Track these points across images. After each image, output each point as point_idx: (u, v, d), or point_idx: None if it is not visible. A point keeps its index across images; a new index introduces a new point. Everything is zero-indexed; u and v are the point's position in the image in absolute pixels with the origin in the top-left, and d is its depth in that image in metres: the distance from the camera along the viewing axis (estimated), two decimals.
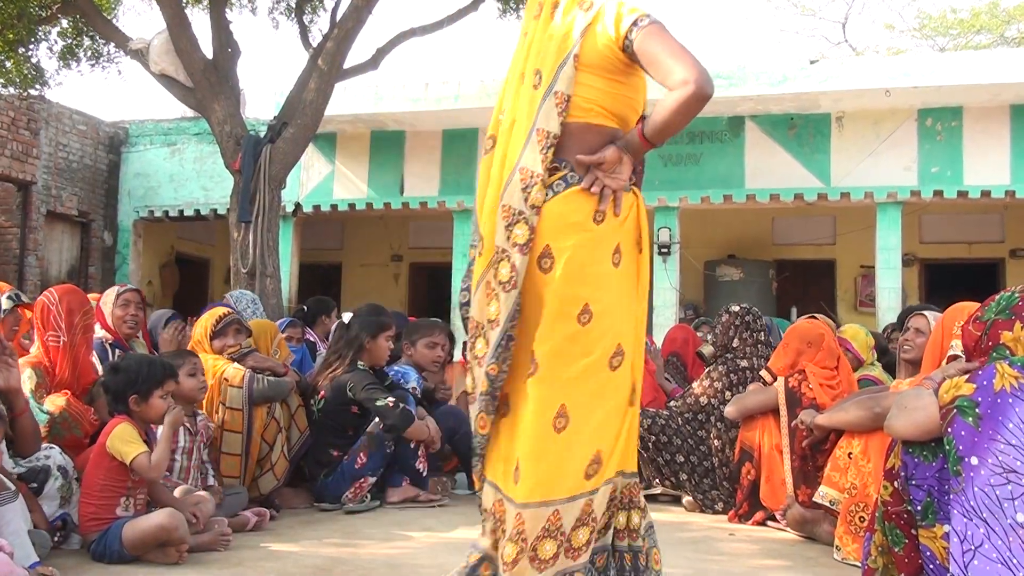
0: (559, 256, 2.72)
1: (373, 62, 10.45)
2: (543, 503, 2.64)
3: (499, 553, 2.71)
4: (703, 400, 5.30)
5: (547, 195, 2.75)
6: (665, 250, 12.76)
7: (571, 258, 2.72)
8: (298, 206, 13.84)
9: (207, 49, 9.63)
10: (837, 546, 3.96)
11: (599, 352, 2.71)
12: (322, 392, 5.42)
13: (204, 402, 4.91)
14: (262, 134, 9.79)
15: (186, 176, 14.74)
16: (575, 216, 2.75)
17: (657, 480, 5.40)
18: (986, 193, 11.95)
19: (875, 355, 5.61)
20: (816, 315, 5.25)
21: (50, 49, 11.58)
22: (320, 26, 11.75)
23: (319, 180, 14.20)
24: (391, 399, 5.22)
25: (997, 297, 3.07)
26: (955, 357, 3.70)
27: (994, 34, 23.76)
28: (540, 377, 2.70)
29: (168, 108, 30.30)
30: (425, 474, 5.45)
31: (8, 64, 11.09)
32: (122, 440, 3.81)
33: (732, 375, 5.26)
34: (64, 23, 11.37)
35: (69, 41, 11.57)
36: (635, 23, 2.72)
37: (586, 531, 2.69)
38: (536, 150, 2.75)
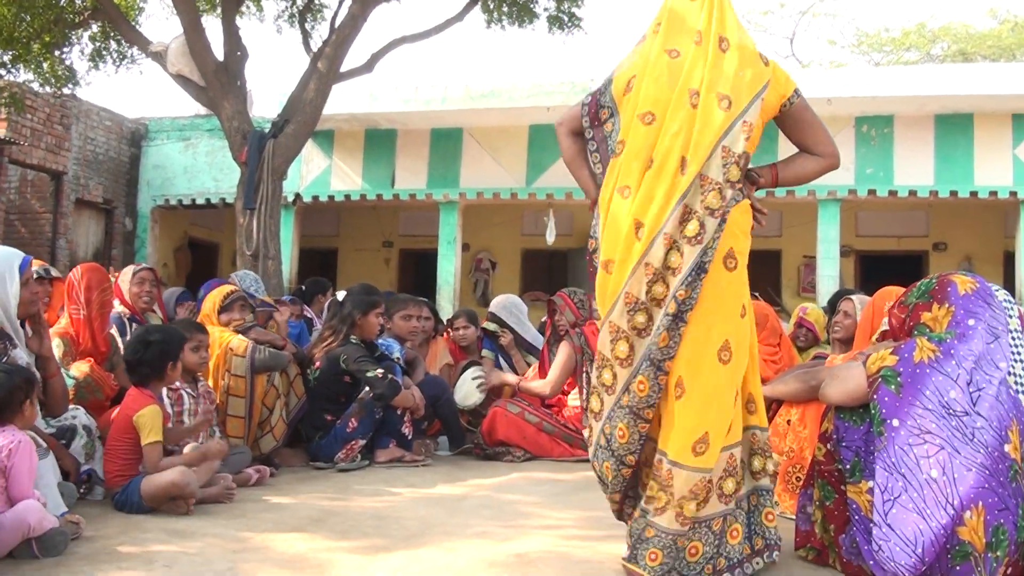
0: (740, 259, 3.00)
1: (368, 66, 10.40)
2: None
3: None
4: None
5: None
6: None
7: (744, 263, 3.01)
8: (298, 196, 13.76)
9: (219, 52, 9.58)
10: (775, 501, 3.98)
11: (747, 344, 3.01)
12: (318, 363, 5.41)
13: (212, 368, 4.91)
14: (266, 130, 9.73)
15: (199, 168, 14.63)
16: (747, 226, 3.06)
17: None
18: (913, 192, 12.03)
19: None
20: (757, 295, 5.26)
21: (81, 51, 11.58)
22: (320, 32, 11.68)
23: (318, 173, 14.10)
24: (380, 370, 5.22)
25: (918, 284, 3.12)
26: (887, 332, 3.74)
27: (921, 51, 23.95)
28: (730, 361, 2.90)
29: (184, 106, 30.12)
30: (410, 437, 5.45)
31: (45, 65, 11.06)
32: (148, 422, 3.86)
33: None
34: (94, 28, 11.33)
35: (98, 44, 11.54)
36: (796, 91, 3.12)
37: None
38: (719, 164, 2.94)
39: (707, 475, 2.85)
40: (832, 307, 5.51)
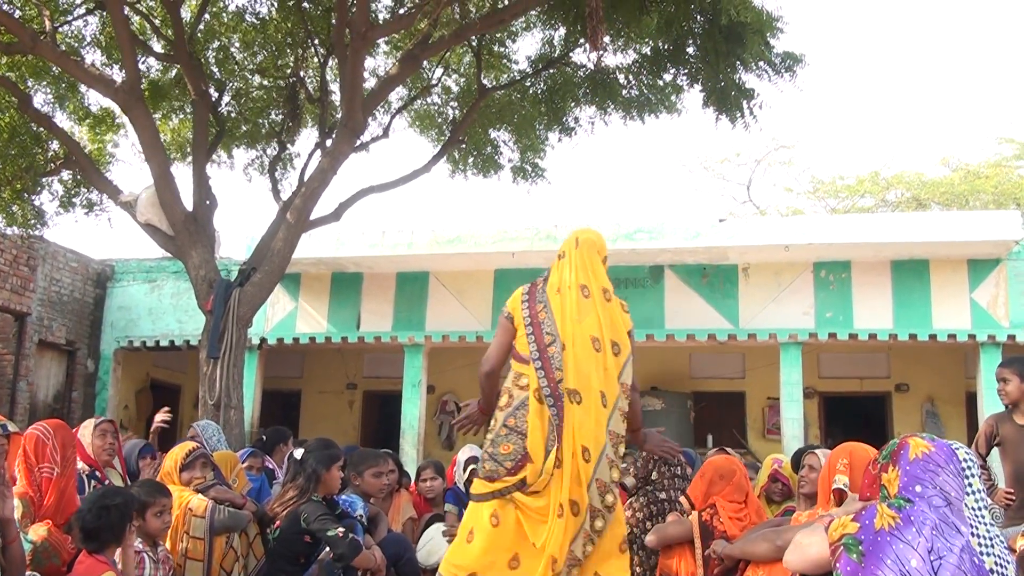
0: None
1: (335, 215, 10.56)
2: None
3: None
4: (625, 529, 5.26)
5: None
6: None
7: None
8: (263, 341, 13.74)
9: (188, 201, 9.69)
10: None
11: None
12: (278, 521, 5.31)
13: (170, 530, 4.80)
14: (233, 277, 9.79)
15: (163, 310, 14.61)
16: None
17: None
18: (873, 335, 12.23)
19: None
20: (727, 449, 5.28)
21: (51, 195, 11.69)
22: (290, 180, 11.92)
23: (283, 316, 14.13)
24: (341, 529, 5.11)
25: (889, 442, 3.14)
26: (840, 491, 3.76)
27: (876, 198, 24.72)
28: None
29: (150, 249, 30.25)
30: None
31: (14, 208, 11.14)
32: None
33: (652, 506, 5.24)
34: (64, 175, 11.47)
35: (69, 191, 11.68)
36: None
37: None
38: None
39: None
40: (797, 461, 5.54)
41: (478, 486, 3.98)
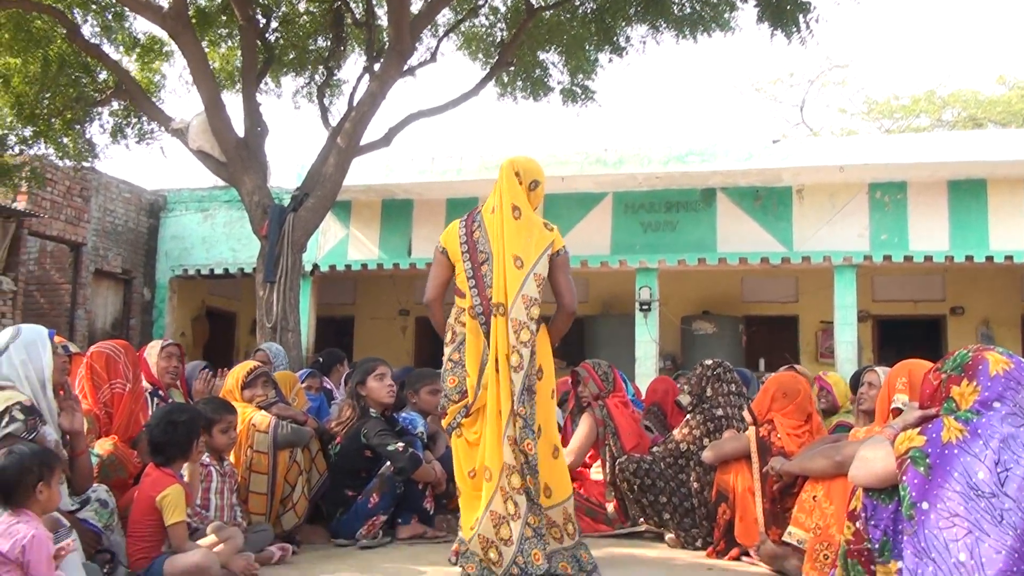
0: (546, 372, 4.28)
1: (385, 140, 10.53)
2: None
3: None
4: (683, 446, 5.29)
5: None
6: (646, 307, 12.78)
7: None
8: (316, 267, 13.87)
9: (239, 128, 9.71)
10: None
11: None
12: (339, 438, 5.42)
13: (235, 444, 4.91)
14: (286, 204, 9.84)
15: (216, 238, 14.80)
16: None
17: (642, 518, 5.39)
18: (928, 258, 12.04)
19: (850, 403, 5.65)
20: (797, 367, 5.28)
21: (102, 126, 11.74)
22: (338, 107, 11.86)
23: (335, 243, 14.27)
24: (401, 444, 5.21)
25: (956, 353, 3.09)
26: (899, 410, 3.74)
27: (932, 117, 24.10)
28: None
29: (202, 178, 30.50)
30: (432, 512, 5.43)
31: (65, 140, 11.24)
32: (172, 503, 3.86)
33: (709, 423, 5.25)
34: (115, 105, 11.53)
35: (119, 121, 11.74)
36: (563, 249, 4.35)
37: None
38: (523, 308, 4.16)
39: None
40: (856, 381, 5.51)
41: (444, 424, 4.37)
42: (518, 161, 4.46)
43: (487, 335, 4.16)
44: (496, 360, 4.10)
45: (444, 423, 4.33)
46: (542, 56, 11.63)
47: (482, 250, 4.29)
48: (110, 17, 10.95)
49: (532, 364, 4.13)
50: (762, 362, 13.78)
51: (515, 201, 4.33)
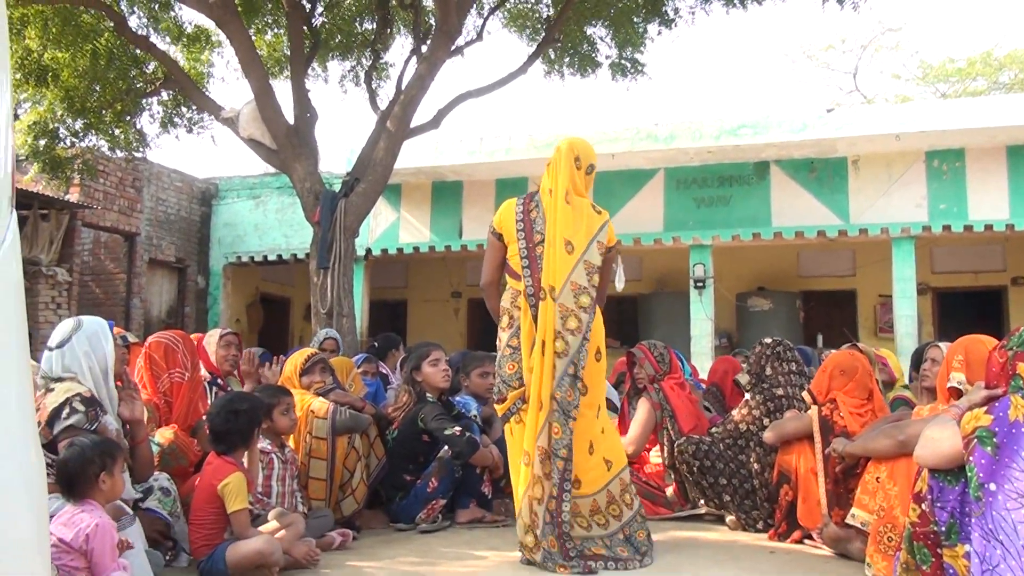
0: (603, 353, 4.30)
1: (434, 122, 10.55)
2: None
3: None
4: (743, 427, 5.25)
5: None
6: (700, 284, 12.70)
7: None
8: (368, 252, 13.98)
9: (288, 115, 9.79)
10: (868, 563, 3.90)
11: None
12: (396, 423, 5.47)
13: (295, 433, 4.98)
14: (336, 188, 9.92)
15: (269, 225, 14.99)
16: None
17: (702, 501, 5.37)
18: (988, 227, 11.78)
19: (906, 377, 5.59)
20: (858, 345, 5.21)
21: (152, 117, 11.91)
22: (386, 91, 11.94)
23: (386, 226, 14.37)
24: (458, 428, 5.23)
25: (1021, 329, 3.03)
26: (955, 389, 3.67)
27: (989, 80, 23.53)
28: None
29: (253, 165, 30.87)
30: (490, 496, 5.46)
31: (117, 131, 11.42)
32: (233, 491, 3.89)
33: (769, 403, 5.21)
34: (164, 95, 11.68)
35: (169, 111, 11.89)
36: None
37: None
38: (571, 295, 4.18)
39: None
40: (918, 358, 5.43)
41: (499, 411, 4.34)
42: (577, 144, 4.44)
43: (535, 319, 4.17)
44: (543, 344, 4.11)
45: (501, 409, 4.31)
46: (589, 30, 11.56)
47: (539, 231, 4.28)
48: (157, 8, 11.07)
49: (580, 352, 4.14)
50: (820, 338, 13.62)
51: (569, 185, 4.32)
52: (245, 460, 4.23)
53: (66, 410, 3.60)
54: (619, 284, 13.11)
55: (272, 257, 14.81)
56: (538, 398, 4.07)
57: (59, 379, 3.75)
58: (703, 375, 8.69)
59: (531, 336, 4.18)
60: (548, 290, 4.13)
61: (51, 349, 3.84)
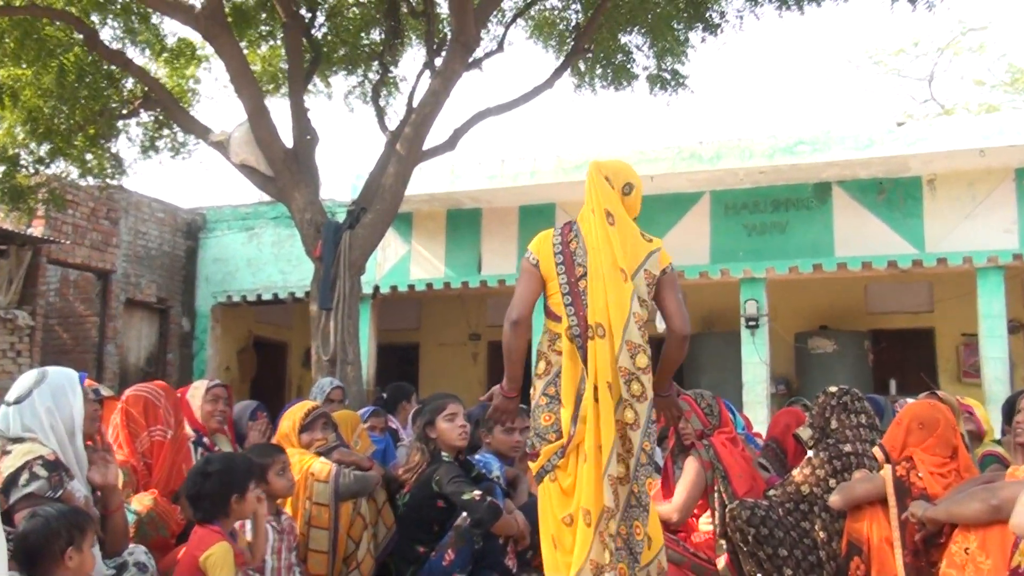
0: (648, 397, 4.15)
1: (450, 143, 10.60)
2: None
3: None
4: (805, 489, 5.19)
5: None
6: (753, 323, 12.65)
7: None
8: (376, 289, 14.05)
9: (286, 137, 9.87)
10: None
11: None
12: (407, 486, 5.45)
13: (292, 497, 4.96)
14: (340, 218, 9.98)
15: (264, 260, 15.11)
16: None
17: (759, 575, 5.31)
18: None
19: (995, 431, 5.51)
20: (938, 393, 5.16)
21: (130, 140, 11.98)
22: (396, 108, 12.03)
23: (396, 260, 14.45)
24: (477, 492, 5.19)
25: None
26: None
27: None
28: None
29: (246, 193, 31.13)
30: (515, 571, 5.41)
31: (89, 156, 11.45)
32: (218, 564, 3.85)
33: (835, 461, 5.15)
34: (145, 116, 11.74)
35: (150, 133, 11.96)
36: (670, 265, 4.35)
37: None
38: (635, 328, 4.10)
39: None
40: (1010, 408, 5.36)
41: (533, 468, 4.27)
42: (605, 165, 4.44)
43: (585, 361, 4.11)
44: (595, 389, 4.05)
45: (535, 466, 4.25)
46: (624, 39, 11.62)
47: (580, 263, 4.23)
48: (135, 20, 11.06)
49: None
50: (893, 385, 13.51)
51: (608, 206, 4.29)
52: (247, 529, 4.22)
53: (25, 475, 3.57)
54: (660, 325, 13.10)
55: (267, 296, 14.90)
56: (596, 450, 4.01)
57: (18, 439, 3.71)
58: (758, 428, 8.63)
59: (575, 381, 4.14)
60: (596, 328, 4.09)
61: (8, 404, 3.80)
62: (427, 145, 10.18)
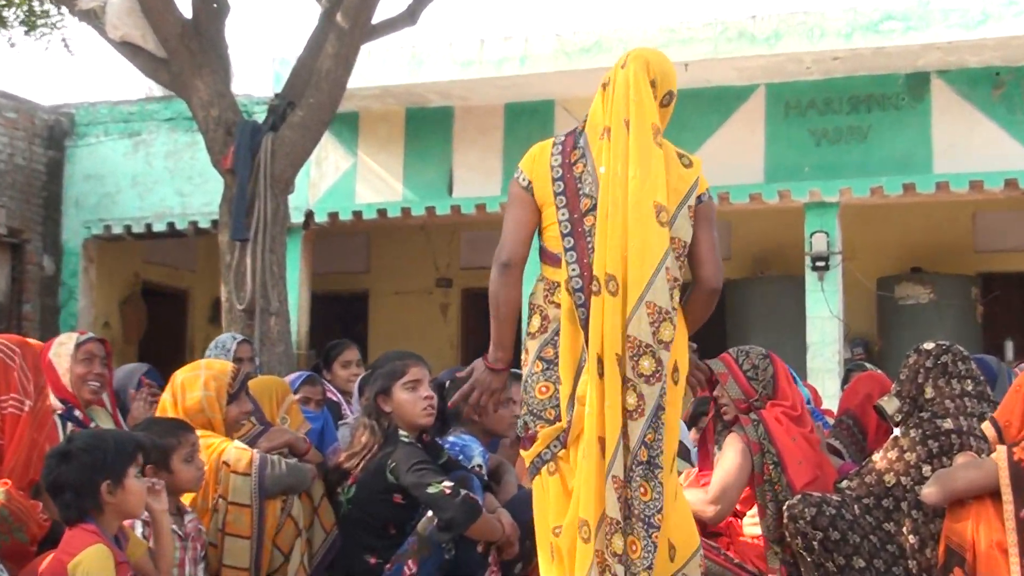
0: (682, 372, 4.27)
1: (410, 16, 10.53)
2: None
3: None
4: (889, 479, 5.23)
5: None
6: (821, 264, 12.66)
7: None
8: (309, 216, 14.01)
9: (184, 5, 9.78)
10: None
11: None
12: (352, 477, 5.46)
13: (197, 494, 4.98)
14: (259, 117, 9.93)
15: (155, 177, 15.00)
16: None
17: None
18: None
19: None
20: None
21: None
22: None
23: (336, 177, 14.39)
24: (448, 484, 5.20)
25: None
26: None
27: None
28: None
29: (129, 85, 30.79)
30: None
31: None
32: (90, 570, 3.85)
33: (931, 442, 5.18)
34: None
35: None
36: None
37: None
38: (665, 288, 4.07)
39: None
40: None
41: (525, 458, 4.30)
42: (654, 60, 4.36)
43: (585, 324, 4.08)
44: (598, 363, 4.02)
45: (530, 454, 4.25)
46: None
47: (586, 193, 4.18)
48: None
49: (667, 372, 4.08)
50: (1009, 345, 13.60)
51: (655, 119, 4.22)
52: (148, 532, 4.23)
53: None
54: None
55: (160, 227, 14.82)
56: (596, 442, 4.00)
57: None
58: (828, 404, 8.67)
59: (576, 350, 4.13)
60: (607, 281, 4.03)
61: None
62: (378, 18, 10.11)
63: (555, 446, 4.15)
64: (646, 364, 3.97)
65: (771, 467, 5.59)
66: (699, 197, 4.26)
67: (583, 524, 4.00)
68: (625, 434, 3.98)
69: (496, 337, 4.38)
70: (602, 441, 3.98)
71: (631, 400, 3.97)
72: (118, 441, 4.21)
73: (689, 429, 7.09)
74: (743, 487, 5.69)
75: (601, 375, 3.99)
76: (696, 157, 4.36)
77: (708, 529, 5.81)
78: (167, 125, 14.92)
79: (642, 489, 3.98)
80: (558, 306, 4.18)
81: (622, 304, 4.00)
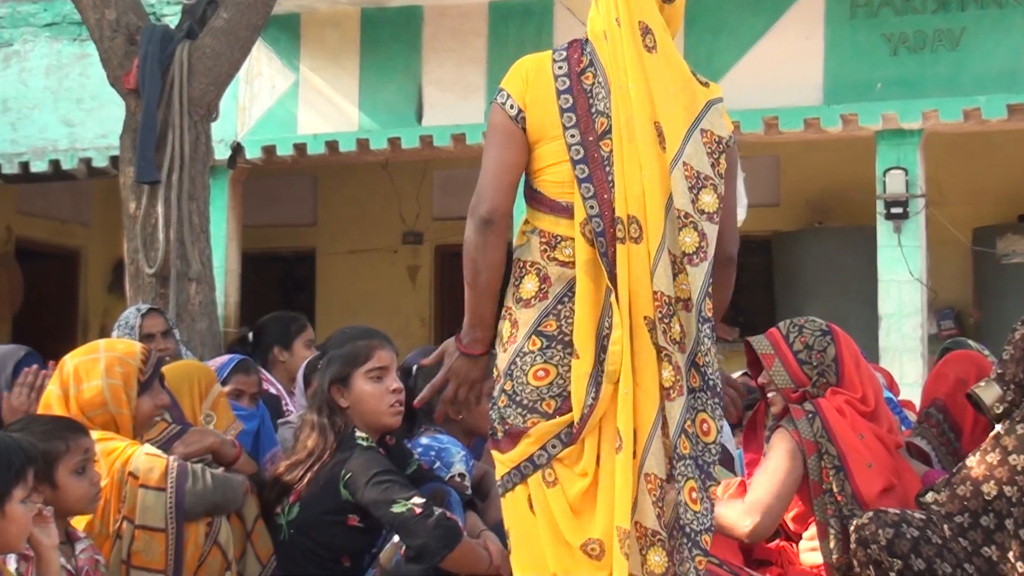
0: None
1: None
2: None
3: None
4: (989, 489, 5.27)
5: None
6: (898, 211, 12.66)
7: None
8: (237, 150, 14.01)
9: None
10: None
11: None
12: (296, 491, 5.49)
13: (94, 516, 5.00)
14: (173, 24, 9.91)
15: (32, 101, 14.97)
16: None
17: None
18: None
19: None
20: None
21: None
22: None
23: (273, 100, 14.38)
24: (419, 500, 5.23)
25: None
26: None
27: None
28: None
29: None
30: None
31: None
32: None
33: None
34: None
35: None
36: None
37: None
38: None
39: None
40: None
41: (499, 463, 4.26)
42: None
43: (613, 279, 4.04)
44: (631, 329, 4.02)
45: (511, 457, 4.20)
46: None
47: (601, 111, 4.16)
48: None
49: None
50: None
51: (644, 17, 4.18)
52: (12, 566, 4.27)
53: None
54: (741, 213, 13.15)
55: (40, 166, 14.78)
56: (628, 434, 3.96)
57: None
58: (908, 391, 8.71)
59: (595, 315, 4.10)
60: (629, 224, 4.03)
61: None
62: None
63: (555, 446, 4.09)
64: (677, 328, 3.99)
65: (831, 472, 5.59)
66: (720, 140, 4.23)
67: (623, 534, 3.95)
68: (664, 420, 3.96)
69: (473, 312, 4.30)
70: (634, 432, 3.96)
71: (667, 375, 3.96)
72: (2, 452, 4.20)
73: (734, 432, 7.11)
74: (790, 497, 5.71)
75: (633, 346, 3.98)
76: (714, 83, 4.36)
77: (754, 556, 5.86)
78: (47, 32, 14.87)
79: (692, 495, 3.99)
80: (562, 264, 4.13)
81: (646, 253, 4.00)
